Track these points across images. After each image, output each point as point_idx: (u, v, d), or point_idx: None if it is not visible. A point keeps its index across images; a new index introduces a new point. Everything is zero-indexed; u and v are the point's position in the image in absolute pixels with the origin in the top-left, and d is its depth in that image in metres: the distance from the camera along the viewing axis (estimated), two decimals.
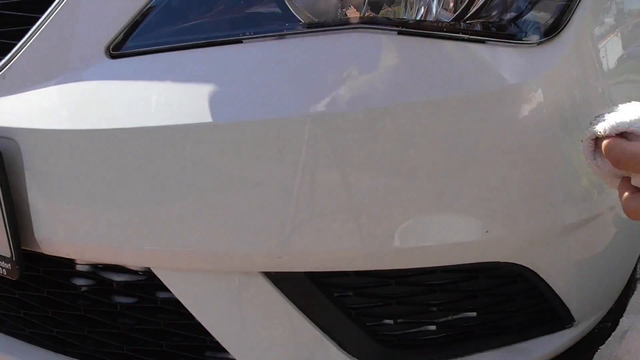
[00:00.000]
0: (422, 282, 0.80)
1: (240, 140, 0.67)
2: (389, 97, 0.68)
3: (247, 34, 0.72)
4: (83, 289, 0.84)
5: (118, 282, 0.82)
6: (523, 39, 0.72)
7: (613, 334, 0.88)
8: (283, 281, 0.75)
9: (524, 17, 0.73)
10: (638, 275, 0.97)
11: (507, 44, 0.72)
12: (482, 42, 0.72)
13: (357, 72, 0.69)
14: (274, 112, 0.67)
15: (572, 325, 0.87)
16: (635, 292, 0.94)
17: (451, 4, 0.74)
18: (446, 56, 0.71)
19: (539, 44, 0.73)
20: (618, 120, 0.62)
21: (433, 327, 0.83)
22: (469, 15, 0.73)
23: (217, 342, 0.79)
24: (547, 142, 0.72)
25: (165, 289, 0.77)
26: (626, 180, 0.63)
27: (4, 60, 0.75)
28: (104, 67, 0.73)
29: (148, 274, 0.79)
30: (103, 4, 0.74)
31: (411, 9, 0.74)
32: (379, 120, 0.68)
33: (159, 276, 0.76)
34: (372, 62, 0.70)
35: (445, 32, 0.71)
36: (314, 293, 0.77)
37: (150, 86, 0.71)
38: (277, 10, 0.72)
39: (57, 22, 0.74)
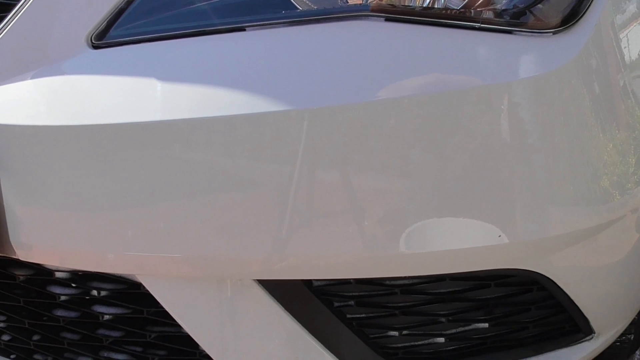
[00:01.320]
0: (430, 291, 0.80)
1: (234, 136, 0.68)
2: (394, 90, 0.69)
3: (243, 22, 0.73)
4: (63, 298, 0.84)
5: (101, 291, 0.82)
6: (538, 27, 0.73)
7: None
8: (279, 290, 0.76)
9: (539, 5, 0.73)
10: None
11: (520, 33, 0.72)
12: (494, 31, 0.72)
13: (359, 63, 0.70)
14: (269, 105, 0.68)
15: (591, 338, 0.87)
16: None
17: None
18: (455, 46, 0.71)
19: (555, 33, 0.73)
20: None
21: (441, 340, 0.83)
22: (479, 2, 0.73)
23: (208, 356, 0.79)
24: (564, 139, 0.73)
25: (152, 299, 0.77)
26: None
27: None
28: (86, 58, 0.73)
29: (133, 282, 0.79)
30: None
31: None
32: (382, 115, 0.68)
33: (145, 284, 0.76)
34: (376, 53, 0.70)
35: (455, 20, 0.72)
36: (313, 302, 0.78)
37: (136, 79, 0.71)
38: None
39: (34, 9, 0.74)
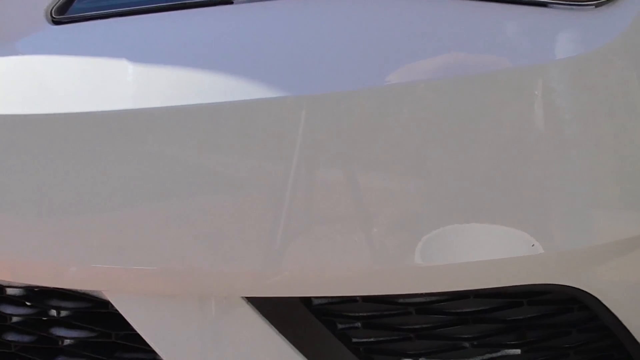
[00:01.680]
0: (451, 311, 0.78)
1: (218, 128, 0.66)
2: (407, 73, 0.67)
3: None
4: (15, 319, 0.82)
5: (61, 311, 0.80)
6: (577, 0, 0.70)
7: None
8: (272, 309, 0.74)
9: None
10: None
11: (557, 6, 0.70)
12: (526, 4, 0.69)
13: (367, 42, 0.68)
14: (261, 91, 0.66)
15: None
16: None
17: None
18: (480, 22, 0.69)
19: (597, 6, 0.70)
20: None
21: None
22: None
23: None
24: (609, 131, 0.69)
25: (122, 319, 0.75)
26: None
27: None
28: (45, 36, 0.72)
29: (100, 300, 0.78)
30: None
31: None
32: (394, 103, 0.66)
33: (113, 303, 0.74)
34: (386, 29, 0.68)
35: None
36: (312, 324, 0.76)
37: (103, 61, 0.70)
38: None
39: None
